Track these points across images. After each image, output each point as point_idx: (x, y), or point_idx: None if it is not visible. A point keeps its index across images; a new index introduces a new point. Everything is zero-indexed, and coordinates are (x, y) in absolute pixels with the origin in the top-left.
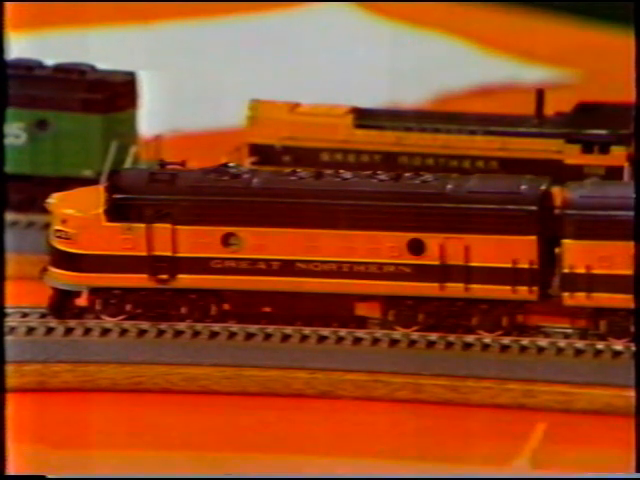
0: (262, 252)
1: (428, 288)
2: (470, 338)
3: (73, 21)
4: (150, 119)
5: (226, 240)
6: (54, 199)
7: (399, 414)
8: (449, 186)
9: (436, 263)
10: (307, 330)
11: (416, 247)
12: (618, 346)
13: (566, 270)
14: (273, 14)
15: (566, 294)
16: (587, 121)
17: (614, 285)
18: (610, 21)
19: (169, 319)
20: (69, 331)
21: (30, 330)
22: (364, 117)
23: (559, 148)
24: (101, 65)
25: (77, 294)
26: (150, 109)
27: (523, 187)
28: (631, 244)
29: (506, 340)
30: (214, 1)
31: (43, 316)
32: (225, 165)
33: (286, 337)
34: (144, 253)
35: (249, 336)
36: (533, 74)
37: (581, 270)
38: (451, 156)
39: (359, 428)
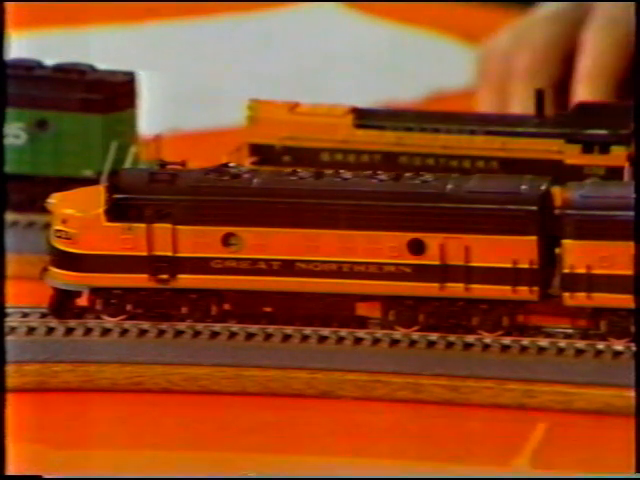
0: (262, 252)
1: (428, 288)
2: (471, 338)
3: (73, 21)
4: (150, 119)
5: (226, 240)
6: (54, 199)
7: (399, 414)
8: (449, 186)
9: (436, 263)
10: (308, 330)
11: (416, 247)
12: (618, 346)
13: (566, 270)
14: (273, 14)
15: (566, 294)
16: (587, 121)
17: (615, 285)
18: None
19: (170, 319)
20: (69, 331)
21: (30, 330)
22: (364, 117)
23: (559, 148)
24: (101, 65)
25: (78, 294)
26: (150, 109)
27: (523, 187)
28: (631, 244)
29: (507, 340)
30: (214, 1)
31: (43, 316)
32: (225, 165)
33: (287, 337)
34: (144, 253)
35: (249, 336)
36: None
37: (581, 270)
38: (451, 156)
39: (359, 428)
